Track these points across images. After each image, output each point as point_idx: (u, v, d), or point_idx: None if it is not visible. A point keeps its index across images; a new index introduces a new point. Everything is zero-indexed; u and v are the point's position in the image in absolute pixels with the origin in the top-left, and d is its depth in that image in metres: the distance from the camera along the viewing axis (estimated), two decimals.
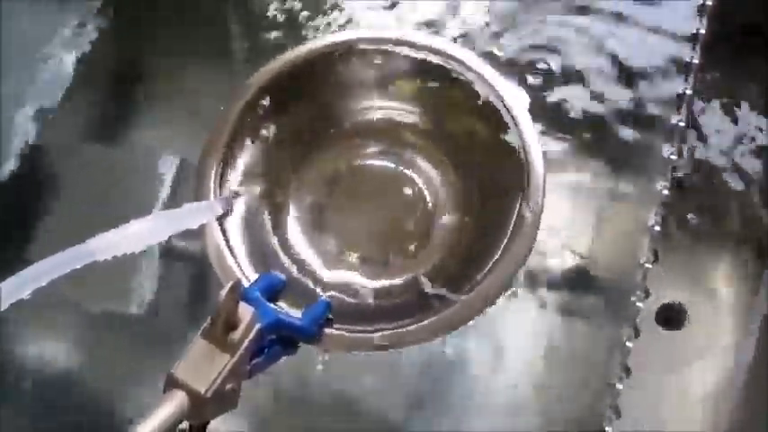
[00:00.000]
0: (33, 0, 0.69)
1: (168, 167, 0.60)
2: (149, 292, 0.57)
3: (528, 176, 0.56)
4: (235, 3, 0.67)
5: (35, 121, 0.64)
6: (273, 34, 0.64)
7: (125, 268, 0.56)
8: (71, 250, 0.46)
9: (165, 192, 0.60)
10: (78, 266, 0.46)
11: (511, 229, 0.54)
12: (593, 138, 0.58)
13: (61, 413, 0.55)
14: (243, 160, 0.60)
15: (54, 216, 0.60)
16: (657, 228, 0.54)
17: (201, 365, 0.43)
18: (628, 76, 0.59)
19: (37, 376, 0.56)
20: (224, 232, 0.57)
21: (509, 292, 0.53)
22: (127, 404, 0.54)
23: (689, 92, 0.57)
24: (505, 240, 0.54)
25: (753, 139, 0.60)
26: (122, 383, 0.55)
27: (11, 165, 0.62)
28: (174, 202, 0.59)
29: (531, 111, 0.58)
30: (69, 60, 0.66)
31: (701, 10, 0.59)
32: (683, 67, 0.58)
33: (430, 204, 0.60)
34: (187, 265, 0.57)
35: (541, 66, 0.60)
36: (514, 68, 0.60)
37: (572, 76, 0.60)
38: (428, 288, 0.55)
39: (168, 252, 0.57)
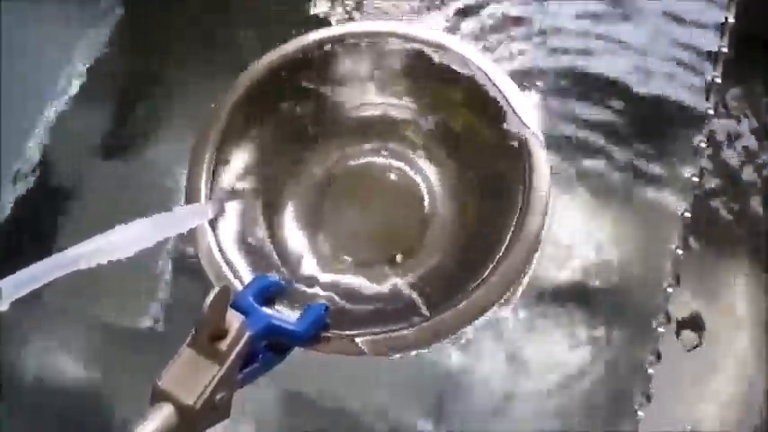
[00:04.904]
0: (43, 13, 0.69)
1: (181, 176, 0.58)
2: (160, 304, 0.56)
3: (530, 180, 0.53)
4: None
5: (44, 137, 0.63)
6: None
7: (136, 279, 0.56)
8: (51, 259, 0.44)
9: (179, 202, 0.58)
10: (60, 275, 0.44)
11: (511, 233, 0.52)
12: (608, 154, 0.55)
13: (68, 426, 0.55)
14: (235, 161, 0.58)
15: (65, 231, 0.59)
16: (680, 251, 0.51)
17: (189, 376, 0.41)
18: (647, 93, 0.57)
19: (44, 389, 0.56)
20: (216, 235, 0.55)
21: (515, 306, 0.51)
22: (132, 412, 0.52)
23: (711, 110, 0.55)
24: (506, 244, 0.52)
25: None
26: (132, 396, 0.53)
27: (22, 181, 0.62)
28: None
29: (542, 120, 0.56)
30: (79, 73, 0.65)
31: (722, 27, 0.57)
32: (704, 85, 0.56)
33: (427, 205, 0.58)
34: (199, 276, 0.55)
35: (556, 74, 0.58)
36: (527, 74, 0.58)
37: (588, 87, 0.57)
38: (425, 291, 0.53)
39: (181, 262, 0.56)
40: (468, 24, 0.62)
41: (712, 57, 0.56)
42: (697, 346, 0.52)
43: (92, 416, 0.54)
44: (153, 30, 0.67)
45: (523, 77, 0.58)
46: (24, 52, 0.66)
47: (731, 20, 0.57)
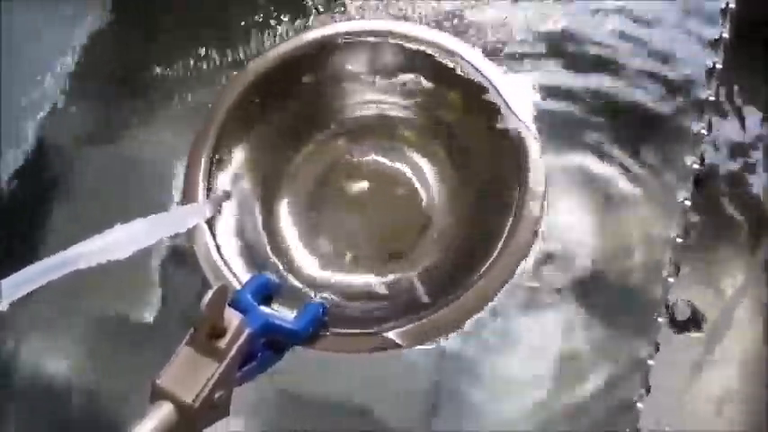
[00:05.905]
0: (37, 8, 0.68)
1: (174, 168, 0.59)
2: (157, 297, 0.55)
3: (526, 174, 0.53)
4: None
5: (38, 125, 0.63)
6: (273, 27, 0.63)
7: (132, 272, 0.55)
8: (51, 259, 0.44)
9: (172, 193, 0.58)
10: (59, 276, 0.44)
11: (509, 227, 0.52)
12: (606, 141, 0.55)
13: (65, 424, 0.54)
14: (233, 159, 0.58)
15: (59, 220, 0.59)
16: (679, 240, 0.50)
17: (188, 375, 0.41)
18: (648, 79, 0.56)
19: (41, 387, 0.55)
20: (213, 234, 0.55)
21: (514, 297, 0.51)
22: (133, 410, 0.52)
23: (711, 97, 0.54)
24: (504, 236, 0.52)
25: None
26: (130, 394, 0.53)
27: (15, 169, 0.61)
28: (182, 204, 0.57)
29: (537, 110, 0.55)
30: (71, 62, 0.65)
31: (723, 13, 0.56)
32: (705, 72, 0.55)
33: (425, 202, 0.58)
34: (197, 275, 0.55)
35: (554, 64, 0.57)
36: (523, 62, 0.57)
37: (586, 73, 0.57)
38: (423, 288, 0.53)
39: (178, 261, 0.56)
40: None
41: (713, 43, 0.55)
42: (696, 336, 0.52)
43: (90, 414, 0.54)
44: (152, 27, 0.66)
45: (516, 61, 0.57)
46: (19, 46, 0.66)
47: (732, 5, 0.56)
